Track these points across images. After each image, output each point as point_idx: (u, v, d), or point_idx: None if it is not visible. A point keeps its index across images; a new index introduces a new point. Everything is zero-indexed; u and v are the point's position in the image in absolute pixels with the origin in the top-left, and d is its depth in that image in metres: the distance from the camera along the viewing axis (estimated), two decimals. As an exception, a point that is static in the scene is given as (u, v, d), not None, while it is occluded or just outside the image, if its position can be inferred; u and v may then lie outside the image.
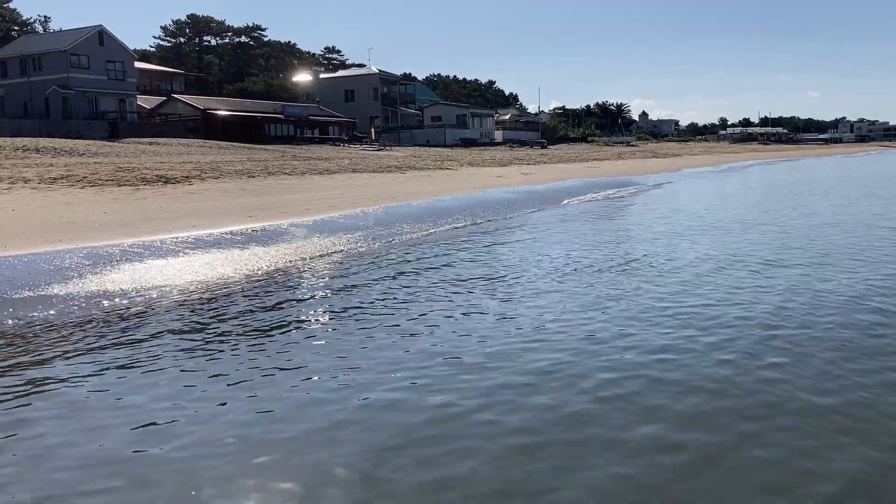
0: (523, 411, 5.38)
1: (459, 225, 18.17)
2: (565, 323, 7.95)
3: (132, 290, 10.10)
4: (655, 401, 5.58)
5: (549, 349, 6.96)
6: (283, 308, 8.95)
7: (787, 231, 16.00)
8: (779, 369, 6.25)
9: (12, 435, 5.15)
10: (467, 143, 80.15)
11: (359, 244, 14.50)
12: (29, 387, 6.19)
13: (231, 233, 15.89)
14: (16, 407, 5.69)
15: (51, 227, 15.56)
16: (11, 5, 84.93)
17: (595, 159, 63.03)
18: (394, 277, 11.00)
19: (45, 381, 6.24)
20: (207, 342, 7.52)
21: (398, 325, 8.07)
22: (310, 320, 8.42)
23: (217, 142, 51.81)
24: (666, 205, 24.20)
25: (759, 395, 5.66)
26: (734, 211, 21.33)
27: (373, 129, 70.38)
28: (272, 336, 7.68)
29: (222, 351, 7.24)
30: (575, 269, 11.40)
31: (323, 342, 7.47)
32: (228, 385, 6.18)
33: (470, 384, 5.98)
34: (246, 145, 50.76)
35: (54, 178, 23.86)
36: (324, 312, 8.85)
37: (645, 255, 12.56)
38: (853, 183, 36.14)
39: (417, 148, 64.92)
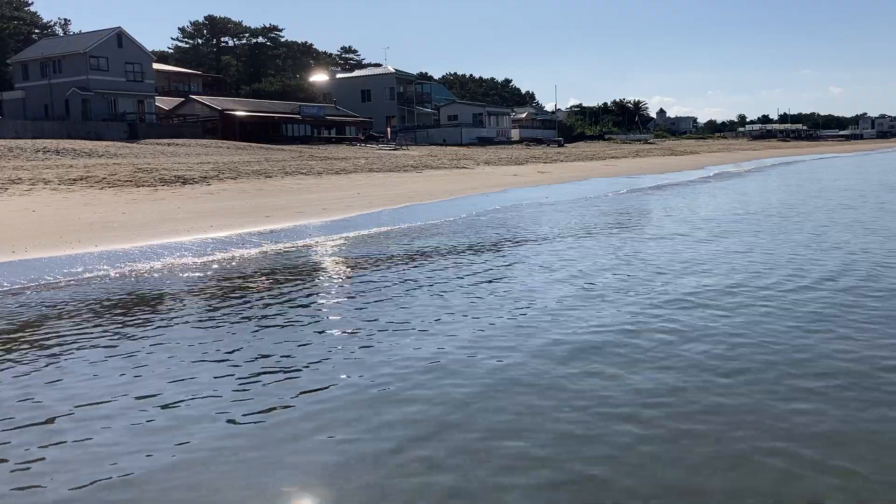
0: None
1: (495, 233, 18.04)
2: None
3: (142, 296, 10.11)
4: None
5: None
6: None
7: None
8: None
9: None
10: (484, 141, 79.95)
11: (383, 246, 14.45)
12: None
13: (249, 234, 15.91)
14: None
15: (70, 228, 15.65)
16: (32, 8, 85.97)
17: (612, 157, 62.64)
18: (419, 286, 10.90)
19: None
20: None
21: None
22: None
23: (234, 142, 52.07)
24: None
25: None
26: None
27: (389, 129, 70.43)
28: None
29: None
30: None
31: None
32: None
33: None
34: (263, 145, 50.97)
35: (74, 180, 24.05)
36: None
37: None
38: None
39: (434, 147, 64.88)
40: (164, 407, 5.68)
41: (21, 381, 6.42)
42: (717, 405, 5.47)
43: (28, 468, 4.66)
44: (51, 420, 5.48)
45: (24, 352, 7.30)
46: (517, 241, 14.70)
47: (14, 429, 5.31)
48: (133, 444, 5.01)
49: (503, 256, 12.81)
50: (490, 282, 10.42)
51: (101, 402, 5.83)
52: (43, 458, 4.79)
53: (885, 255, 11.83)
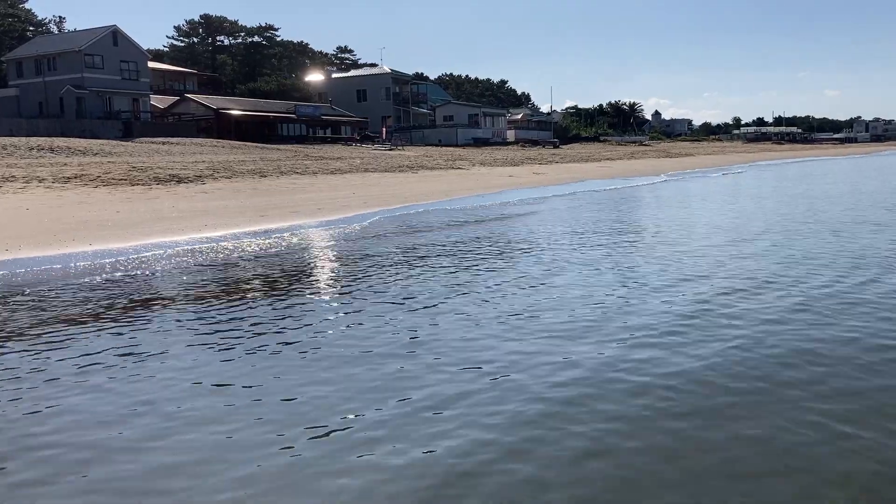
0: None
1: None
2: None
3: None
4: None
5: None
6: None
7: None
8: None
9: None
10: (479, 142, 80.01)
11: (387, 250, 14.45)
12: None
13: (244, 233, 15.90)
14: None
15: (64, 226, 15.62)
16: (27, 6, 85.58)
17: (608, 159, 62.80)
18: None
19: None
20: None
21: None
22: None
23: (230, 141, 51.97)
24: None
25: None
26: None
27: (384, 129, 70.41)
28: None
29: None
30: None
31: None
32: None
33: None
34: (258, 145, 50.88)
35: (68, 178, 23.99)
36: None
37: None
38: None
39: (429, 147, 64.91)
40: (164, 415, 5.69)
41: (8, 382, 6.41)
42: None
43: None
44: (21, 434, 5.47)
45: (15, 350, 7.29)
46: (517, 247, 14.72)
47: None
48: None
49: (500, 259, 12.82)
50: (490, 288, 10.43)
51: (95, 413, 5.82)
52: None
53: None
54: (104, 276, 11.12)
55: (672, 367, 6.35)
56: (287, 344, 7.37)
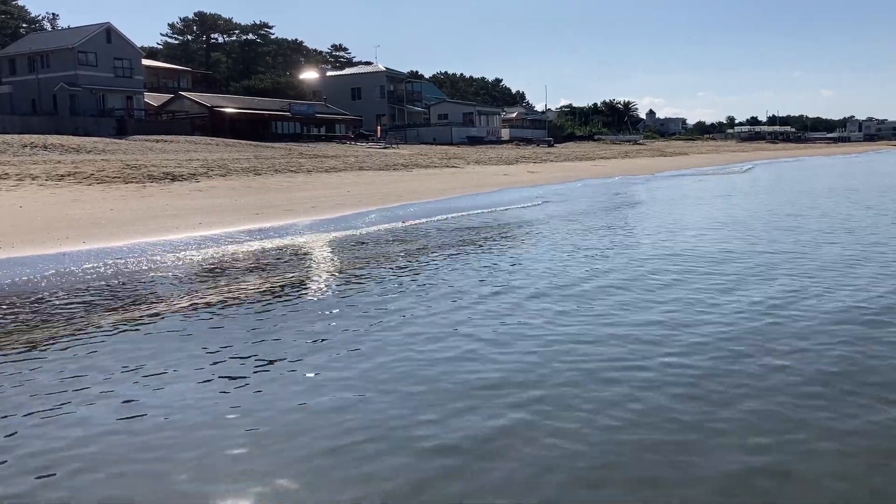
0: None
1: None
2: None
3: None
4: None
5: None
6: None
7: None
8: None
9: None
10: (474, 141, 79.97)
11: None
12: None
13: (238, 232, 15.85)
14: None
15: (58, 224, 15.56)
16: (20, 3, 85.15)
17: (602, 158, 62.87)
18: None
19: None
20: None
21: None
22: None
23: (224, 139, 51.81)
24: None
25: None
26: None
27: (379, 127, 70.30)
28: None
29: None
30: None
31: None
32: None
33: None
34: (253, 143, 50.75)
35: (62, 175, 23.90)
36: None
37: None
38: None
39: (424, 146, 64.85)
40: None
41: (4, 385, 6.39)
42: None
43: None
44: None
45: (10, 350, 7.26)
46: (515, 251, 14.74)
47: None
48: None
49: (496, 262, 12.83)
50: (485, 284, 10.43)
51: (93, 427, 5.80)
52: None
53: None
54: (99, 274, 11.07)
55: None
56: (285, 344, 7.36)
